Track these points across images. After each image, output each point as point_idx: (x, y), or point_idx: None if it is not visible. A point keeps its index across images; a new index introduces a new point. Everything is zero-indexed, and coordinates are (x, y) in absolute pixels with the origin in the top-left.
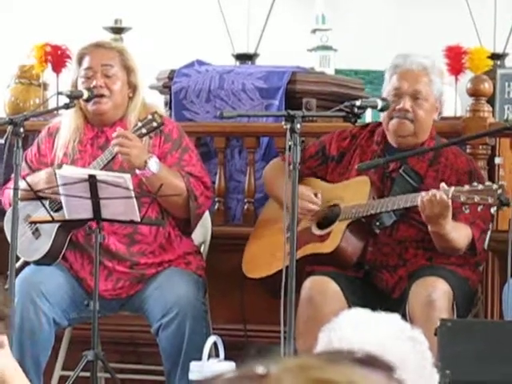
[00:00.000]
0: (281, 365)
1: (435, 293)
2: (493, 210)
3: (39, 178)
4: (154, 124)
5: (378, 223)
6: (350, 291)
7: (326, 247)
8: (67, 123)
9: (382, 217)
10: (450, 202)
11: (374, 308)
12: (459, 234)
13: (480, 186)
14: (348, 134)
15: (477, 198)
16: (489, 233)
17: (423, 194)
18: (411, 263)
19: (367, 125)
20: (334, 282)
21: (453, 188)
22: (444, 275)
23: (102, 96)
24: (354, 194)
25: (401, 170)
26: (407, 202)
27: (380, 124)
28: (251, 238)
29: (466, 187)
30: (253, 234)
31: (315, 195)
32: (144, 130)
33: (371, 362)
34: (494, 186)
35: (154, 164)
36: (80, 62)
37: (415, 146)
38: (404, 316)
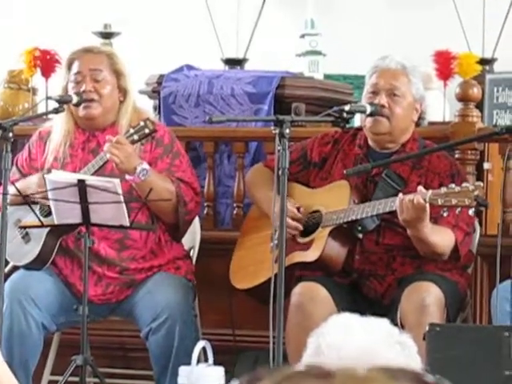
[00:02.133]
0: (349, 371)
1: (429, 298)
2: (471, 211)
3: (30, 183)
4: (146, 131)
5: (359, 228)
6: (339, 297)
7: (311, 255)
8: (58, 127)
9: (364, 221)
10: (427, 205)
11: (363, 313)
12: (440, 237)
13: (457, 188)
14: (330, 139)
15: (454, 201)
16: (476, 236)
17: (401, 197)
18: (399, 272)
19: (350, 128)
20: (324, 287)
21: (430, 191)
22: (435, 280)
23: (91, 100)
24: (335, 198)
25: (383, 174)
26: (386, 207)
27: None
28: (237, 247)
29: (443, 189)
30: (238, 242)
31: (298, 210)
32: (136, 137)
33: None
34: (471, 187)
35: (143, 171)
36: (69, 67)
37: (393, 146)
38: (394, 321)
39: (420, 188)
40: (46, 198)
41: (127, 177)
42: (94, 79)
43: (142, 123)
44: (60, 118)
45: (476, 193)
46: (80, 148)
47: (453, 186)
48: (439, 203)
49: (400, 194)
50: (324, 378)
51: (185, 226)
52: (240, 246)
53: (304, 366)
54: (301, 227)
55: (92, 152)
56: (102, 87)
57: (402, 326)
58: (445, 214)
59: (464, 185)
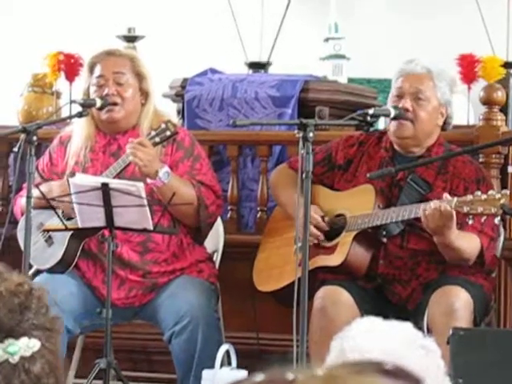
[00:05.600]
0: (309, 373)
1: (458, 302)
2: (497, 219)
3: (53, 187)
4: (168, 133)
5: (384, 232)
6: (362, 300)
7: (335, 260)
8: (79, 131)
9: (389, 226)
10: (453, 212)
11: (386, 318)
12: (466, 243)
13: (483, 196)
14: (355, 141)
15: (480, 209)
16: (500, 240)
17: (426, 205)
18: (424, 277)
19: (375, 131)
20: (347, 291)
21: (455, 199)
22: (463, 284)
23: (114, 104)
24: (359, 203)
25: (409, 179)
26: (411, 214)
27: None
28: (260, 249)
29: (469, 197)
30: (262, 244)
31: (322, 218)
32: (158, 139)
33: (399, 373)
34: (497, 196)
35: (165, 174)
36: (91, 70)
37: (418, 150)
38: (418, 325)
39: (446, 195)
40: (69, 202)
41: (149, 180)
42: (117, 82)
43: (163, 125)
44: (81, 122)
45: (502, 201)
46: (101, 151)
47: (479, 193)
48: (465, 211)
49: (424, 204)
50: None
51: (206, 228)
52: (263, 247)
53: (264, 375)
54: (322, 237)
55: (113, 155)
56: (124, 90)
57: (429, 331)
58: (470, 222)
59: (490, 193)
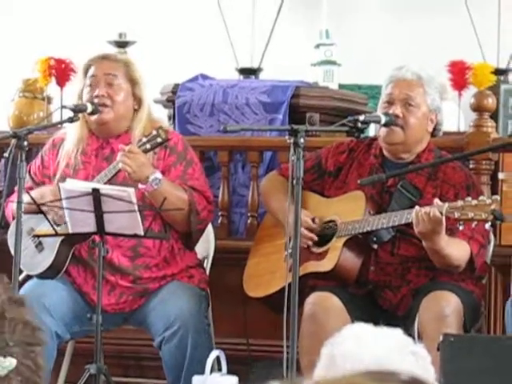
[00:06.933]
0: (327, 382)
1: (448, 308)
2: (487, 225)
3: (44, 193)
4: (159, 140)
5: (375, 238)
6: (353, 307)
7: (325, 265)
8: (71, 134)
9: (379, 232)
10: (443, 218)
11: (377, 324)
12: (456, 250)
13: (474, 202)
14: (345, 148)
15: (470, 214)
16: (490, 247)
17: (417, 209)
18: (414, 283)
19: (365, 138)
20: (337, 297)
21: (446, 204)
22: (453, 289)
23: (103, 105)
24: (350, 209)
25: (399, 185)
26: (402, 219)
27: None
28: (251, 255)
29: (460, 203)
30: (252, 250)
31: (313, 220)
32: (148, 146)
33: None
34: (488, 201)
35: (155, 180)
36: (86, 72)
37: (408, 156)
38: (408, 332)
39: (436, 201)
40: (60, 207)
41: (140, 186)
42: (109, 83)
43: (154, 132)
44: (74, 125)
45: (493, 206)
46: (93, 155)
47: (469, 199)
48: (455, 216)
49: (416, 207)
50: None
51: (197, 234)
52: (254, 254)
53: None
54: (315, 238)
55: (106, 159)
56: (115, 93)
57: (420, 337)
58: (461, 228)
59: (481, 198)
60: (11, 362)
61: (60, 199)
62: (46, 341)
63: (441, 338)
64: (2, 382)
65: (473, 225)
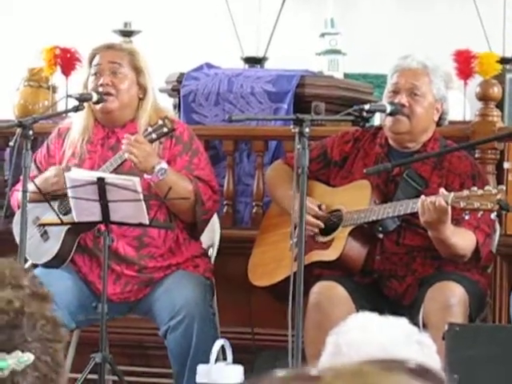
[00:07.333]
0: (335, 370)
1: (453, 298)
2: (493, 215)
3: (46, 177)
4: (165, 129)
5: (380, 228)
6: (358, 296)
7: (330, 255)
8: (77, 123)
9: (385, 222)
10: (449, 208)
11: (382, 313)
12: (462, 239)
13: (479, 191)
14: (351, 137)
15: (476, 204)
16: (496, 236)
17: (422, 199)
18: (419, 272)
19: (370, 127)
20: (342, 286)
21: (452, 194)
22: (458, 280)
23: (108, 94)
24: (355, 198)
25: (404, 174)
26: (407, 209)
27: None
28: (256, 244)
29: (466, 192)
30: (257, 239)
31: (319, 207)
32: (154, 136)
33: (423, 373)
34: (494, 191)
35: (161, 170)
36: (91, 62)
37: (414, 145)
38: (413, 321)
39: (442, 190)
40: (65, 195)
41: (145, 176)
42: (113, 72)
43: (160, 122)
44: (80, 114)
45: (499, 196)
46: (99, 144)
47: (475, 189)
48: (461, 206)
49: (422, 196)
50: (311, 380)
51: (202, 224)
52: (259, 243)
53: (289, 372)
54: (322, 225)
55: (111, 149)
56: (120, 82)
57: (425, 326)
58: (466, 217)
59: (487, 188)
60: (29, 357)
61: (65, 188)
62: (67, 338)
63: (446, 328)
64: (18, 376)
65: (478, 214)
